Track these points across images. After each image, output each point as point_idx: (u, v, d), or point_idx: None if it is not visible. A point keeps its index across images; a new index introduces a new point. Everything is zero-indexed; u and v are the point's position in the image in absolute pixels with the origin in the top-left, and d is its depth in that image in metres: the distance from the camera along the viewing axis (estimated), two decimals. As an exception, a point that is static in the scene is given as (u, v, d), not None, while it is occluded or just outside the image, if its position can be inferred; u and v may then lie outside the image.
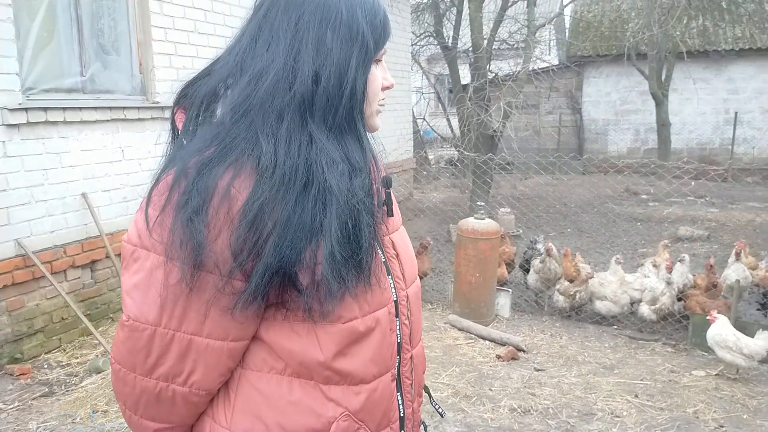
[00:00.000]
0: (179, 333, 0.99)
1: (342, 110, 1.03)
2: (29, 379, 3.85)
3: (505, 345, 4.42)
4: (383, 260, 1.11)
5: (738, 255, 4.97)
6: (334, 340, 1.03)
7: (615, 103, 15.22)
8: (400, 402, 1.16)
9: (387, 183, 1.13)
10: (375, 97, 1.12)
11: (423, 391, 1.32)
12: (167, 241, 0.94)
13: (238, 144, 0.97)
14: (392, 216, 1.15)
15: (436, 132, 16.00)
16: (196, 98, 1.06)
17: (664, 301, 4.62)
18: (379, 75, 1.12)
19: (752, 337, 3.82)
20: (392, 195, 1.15)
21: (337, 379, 1.06)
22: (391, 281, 1.12)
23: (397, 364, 1.14)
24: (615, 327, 4.89)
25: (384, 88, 1.14)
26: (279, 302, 1.01)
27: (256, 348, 1.06)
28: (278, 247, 0.94)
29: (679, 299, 4.78)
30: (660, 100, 13.12)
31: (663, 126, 13.25)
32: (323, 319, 1.01)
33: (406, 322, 1.16)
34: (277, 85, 0.99)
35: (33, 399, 3.60)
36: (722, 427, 3.32)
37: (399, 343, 1.14)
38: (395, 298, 1.13)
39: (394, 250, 1.16)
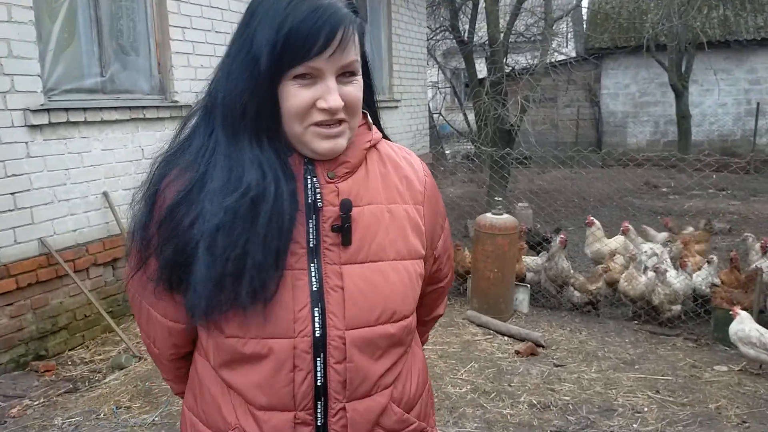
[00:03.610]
0: (144, 302, 1.16)
1: (236, 127, 1.03)
2: (53, 376, 3.93)
3: (524, 340, 4.40)
4: (315, 289, 1.02)
5: (764, 249, 4.90)
6: (219, 349, 1.06)
7: (634, 96, 15.03)
8: None
9: (344, 207, 1.04)
10: (294, 117, 1.01)
11: None
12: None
13: (191, 149, 1.07)
14: (348, 245, 1.04)
15: (452, 127, 15.94)
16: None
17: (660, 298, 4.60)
18: (302, 94, 1.00)
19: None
20: (352, 220, 1.05)
21: (230, 389, 1.09)
22: (317, 315, 1.02)
23: (321, 412, 1.04)
24: (635, 322, 4.84)
25: (321, 109, 1.00)
26: None
27: (200, 334, 1.15)
28: (172, 247, 1.02)
29: (707, 300, 4.69)
30: (680, 91, 12.94)
31: (683, 118, 13.07)
32: (205, 326, 1.06)
33: (338, 367, 1.03)
34: (206, 97, 1.09)
35: (58, 395, 3.67)
36: (745, 422, 3.28)
37: (320, 387, 1.03)
38: (318, 335, 1.02)
39: (341, 282, 1.03)
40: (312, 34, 0.96)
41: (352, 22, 1.00)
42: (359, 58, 1.04)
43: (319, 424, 1.05)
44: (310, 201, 1.04)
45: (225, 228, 0.98)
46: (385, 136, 1.21)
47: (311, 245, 1.04)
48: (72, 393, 3.72)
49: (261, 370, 1.03)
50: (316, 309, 1.02)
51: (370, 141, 1.12)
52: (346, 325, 1.03)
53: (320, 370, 1.02)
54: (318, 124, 1.01)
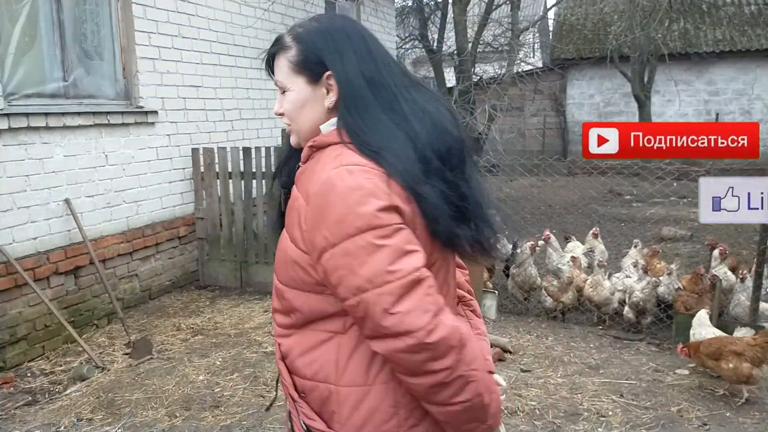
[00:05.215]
0: None
1: None
2: (12, 388, 3.81)
3: (491, 346, 4.42)
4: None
5: (723, 256, 5.03)
6: None
7: (598, 105, 15.35)
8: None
9: (284, 182, 1.44)
10: None
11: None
12: None
13: None
14: (284, 209, 1.37)
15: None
16: None
17: (639, 297, 4.65)
18: None
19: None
20: (283, 196, 1.40)
21: None
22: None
23: None
24: (600, 327, 4.93)
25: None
26: None
27: None
28: None
29: (670, 306, 4.76)
30: (642, 101, 13.26)
31: (646, 127, 13.37)
32: None
33: (277, 305, 1.35)
34: None
35: (16, 408, 3.56)
36: (706, 425, 3.36)
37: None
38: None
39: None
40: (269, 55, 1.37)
41: (273, 50, 1.34)
42: (287, 78, 1.31)
43: None
44: None
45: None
46: (362, 144, 1.25)
47: None
48: (31, 405, 3.62)
49: None
50: None
51: (310, 145, 1.33)
52: (276, 277, 1.35)
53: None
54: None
